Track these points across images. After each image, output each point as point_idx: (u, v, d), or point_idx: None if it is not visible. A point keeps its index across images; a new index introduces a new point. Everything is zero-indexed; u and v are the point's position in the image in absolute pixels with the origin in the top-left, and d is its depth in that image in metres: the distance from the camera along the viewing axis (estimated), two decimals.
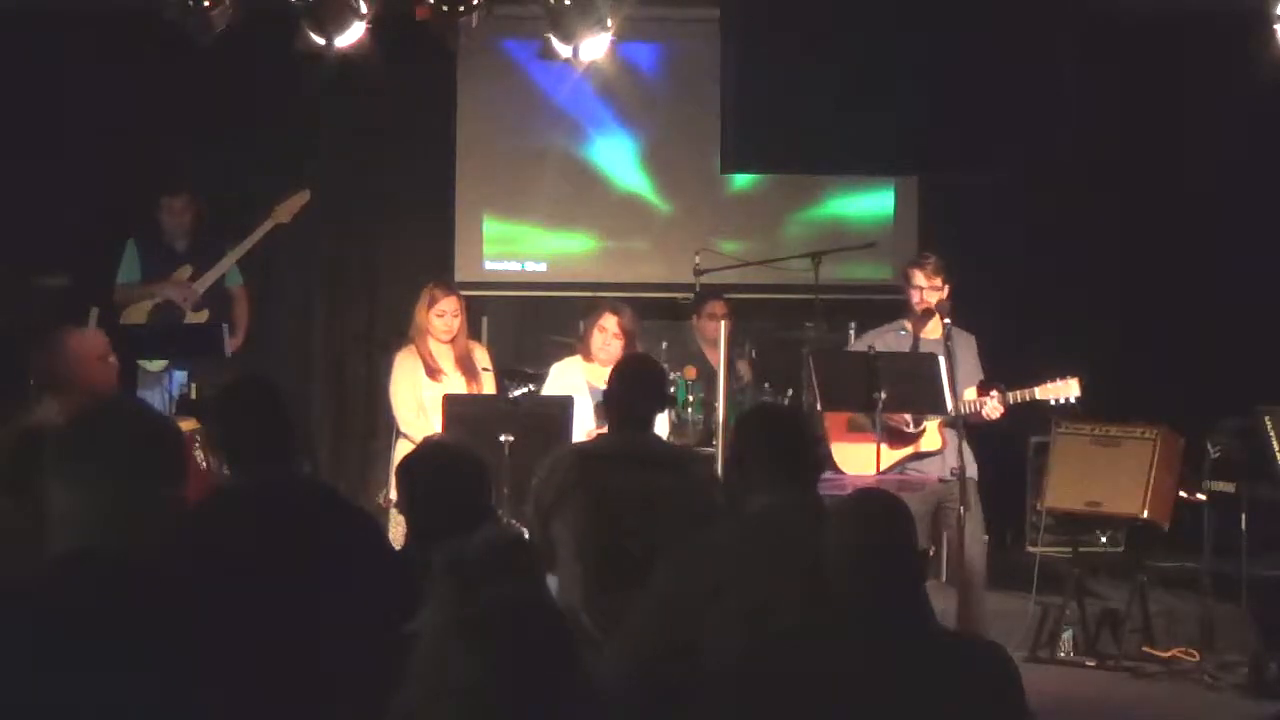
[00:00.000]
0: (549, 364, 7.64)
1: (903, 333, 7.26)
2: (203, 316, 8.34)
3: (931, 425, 7.08)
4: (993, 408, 7.00)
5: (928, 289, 7.12)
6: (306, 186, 8.50)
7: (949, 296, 7.11)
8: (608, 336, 7.37)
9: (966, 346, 7.23)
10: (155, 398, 8.18)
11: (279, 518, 3.66)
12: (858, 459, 7.11)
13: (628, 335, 7.39)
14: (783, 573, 3.49)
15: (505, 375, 7.69)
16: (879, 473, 6.91)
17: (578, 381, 7.34)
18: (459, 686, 2.35)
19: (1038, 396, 7.02)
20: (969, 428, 7.00)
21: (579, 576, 4.52)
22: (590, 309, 7.69)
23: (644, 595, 3.65)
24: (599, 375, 7.33)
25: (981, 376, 7.19)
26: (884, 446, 6.97)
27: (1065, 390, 6.99)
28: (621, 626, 3.65)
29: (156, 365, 8.18)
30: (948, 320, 6.97)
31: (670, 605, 3.57)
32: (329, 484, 3.99)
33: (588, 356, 7.42)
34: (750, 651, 3.15)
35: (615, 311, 7.45)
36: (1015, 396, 7.02)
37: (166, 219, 8.45)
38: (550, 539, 4.60)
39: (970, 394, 7.03)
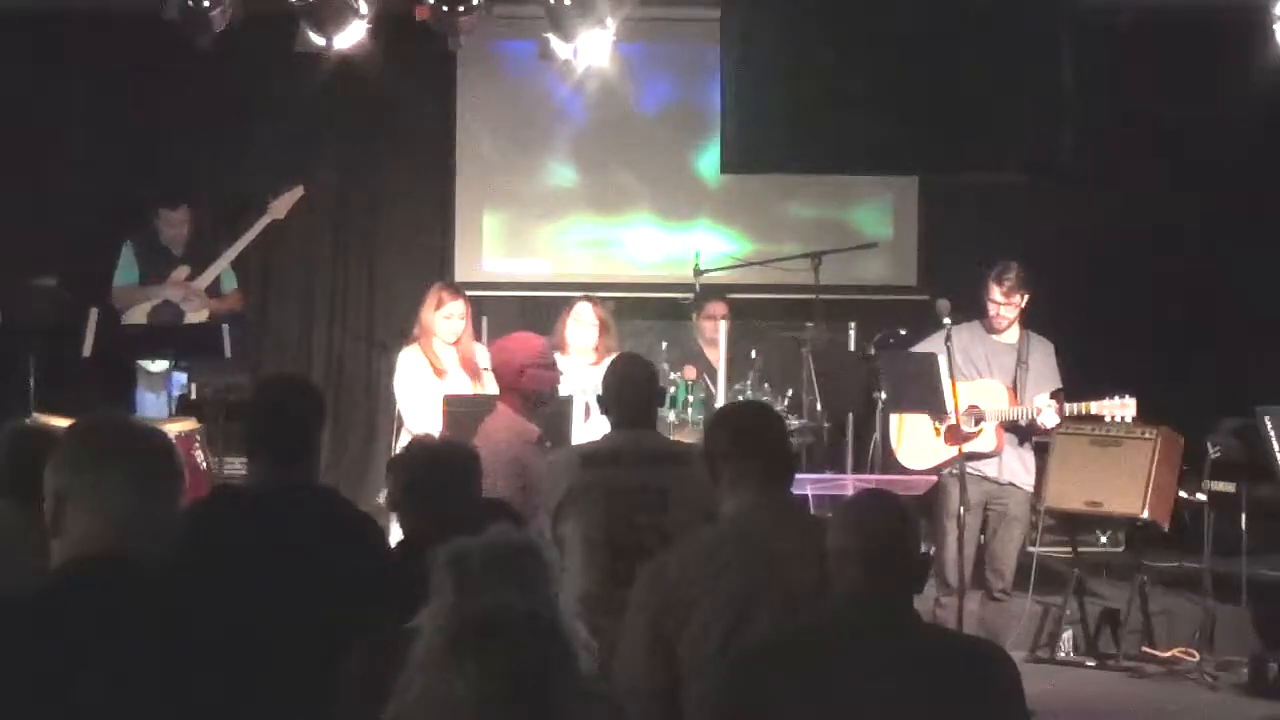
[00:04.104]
0: None
1: (977, 331, 7.34)
2: (202, 316, 8.34)
3: (989, 426, 7.14)
4: (1049, 416, 7.07)
5: (1005, 305, 7.20)
6: (301, 183, 8.51)
7: (1028, 305, 7.22)
8: (583, 325, 7.39)
9: (1043, 353, 7.31)
10: (157, 398, 8.18)
11: (278, 519, 3.67)
12: (914, 453, 7.30)
13: (603, 324, 7.40)
14: (754, 579, 3.48)
15: None
16: (932, 468, 7.16)
17: None
18: (457, 694, 2.34)
19: (1093, 411, 7.12)
20: (1031, 435, 7.22)
21: (587, 572, 4.57)
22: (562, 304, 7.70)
23: (626, 631, 3.61)
24: (574, 367, 7.32)
25: (1057, 384, 7.26)
26: (941, 443, 7.13)
27: (1123, 409, 7.09)
28: (613, 663, 3.62)
29: (158, 366, 8.18)
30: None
31: (653, 639, 3.53)
32: (330, 485, 3.99)
33: (563, 349, 7.42)
34: (747, 653, 3.15)
35: (589, 300, 7.46)
36: (1072, 409, 7.10)
37: (165, 230, 8.43)
38: (559, 538, 4.66)
39: (1041, 400, 7.10)
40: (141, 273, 8.45)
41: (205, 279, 8.39)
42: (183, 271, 8.41)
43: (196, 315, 8.35)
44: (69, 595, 2.51)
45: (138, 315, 8.36)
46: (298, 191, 8.47)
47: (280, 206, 8.44)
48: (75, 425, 2.77)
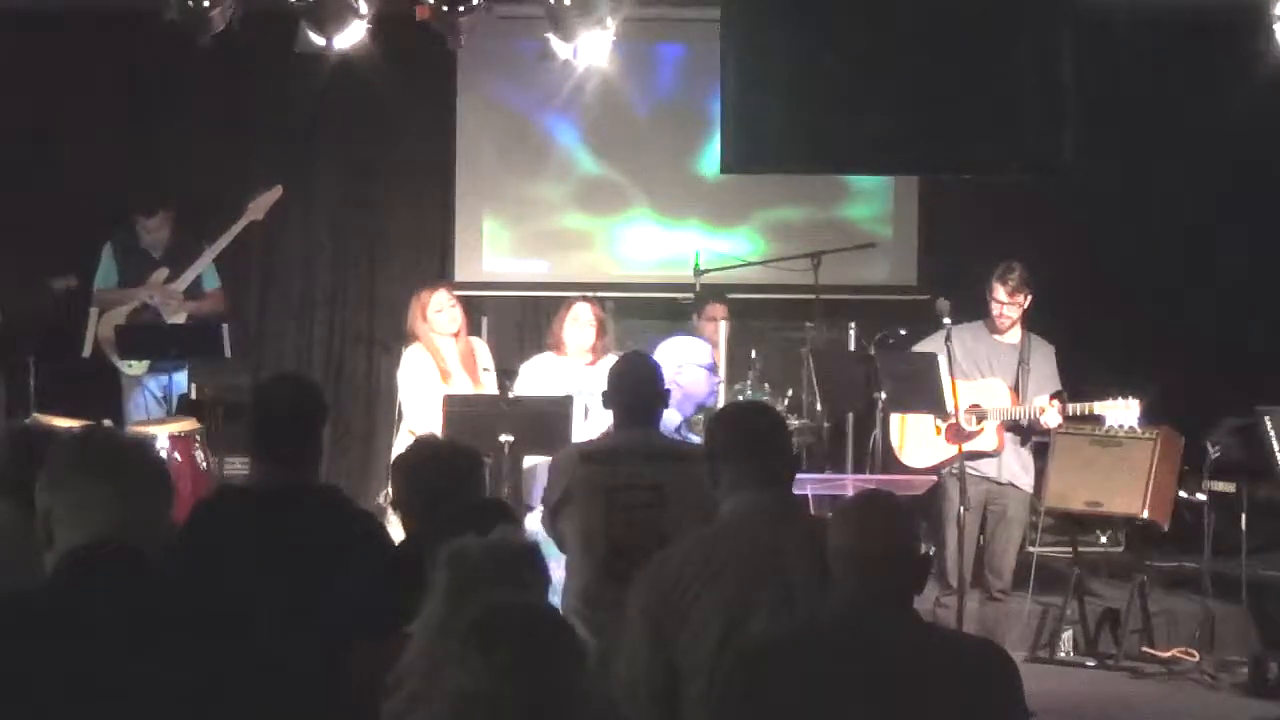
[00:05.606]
0: None
1: (980, 332, 7.36)
2: (180, 318, 8.28)
3: (990, 425, 7.15)
4: (1051, 416, 7.08)
5: (1009, 304, 7.22)
6: (281, 183, 8.46)
7: (1030, 306, 7.24)
8: (581, 325, 7.36)
9: (1044, 356, 7.32)
10: (135, 400, 8.16)
11: (280, 519, 3.67)
12: (915, 451, 7.32)
13: (601, 325, 7.40)
14: (752, 577, 3.49)
15: (504, 375, 7.68)
16: (934, 467, 7.18)
17: (551, 376, 7.30)
18: (460, 691, 2.34)
19: (1096, 411, 7.13)
20: (1032, 435, 7.25)
21: (586, 570, 4.58)
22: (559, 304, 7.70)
23: (624, 630, 3.61)
24: (572, 368, 7.31)
25: (1057, 387, 7.27)
26: (942, 441, 7.15)
27: (1125, 410, 7.08)
28: (614, 662, 3.62)
29: (137, 369, 8.15)
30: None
31: (651, 639, 3.53)
32: (332, 485, 3.99)
33: (559, 350, 7.40)
34: (746, 652, 3.15)
35: (587, 301, 7.46)
36: (1075, 408, 7.12)
37: (143, 236, 8.37)
38: (559, 534, 4.68)
39: (1043, 400, 7.11)
40: (121, 274, 8.37)
41: (183, 281, 8.32)
42: (161, 274, 8.33)
43: (175, 317, 8.27)
44: (67, 595, 2.51)
45: (118, 317, 8.28)
46: (276, 192, 8.41)
47: (259, 207, 8.38)
48: (61, 441, 2.78)
